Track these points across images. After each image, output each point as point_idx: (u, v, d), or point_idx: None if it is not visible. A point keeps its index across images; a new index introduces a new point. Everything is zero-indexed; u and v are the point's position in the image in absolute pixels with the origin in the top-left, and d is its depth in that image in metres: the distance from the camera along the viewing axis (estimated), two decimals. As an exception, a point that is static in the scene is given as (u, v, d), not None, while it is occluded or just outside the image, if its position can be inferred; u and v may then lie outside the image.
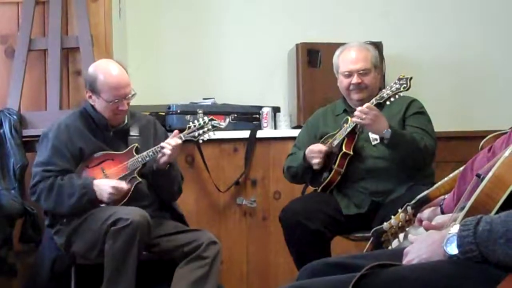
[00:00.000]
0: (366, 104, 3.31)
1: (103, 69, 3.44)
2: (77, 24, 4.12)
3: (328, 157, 3.49)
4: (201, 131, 3.50)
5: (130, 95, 3.43)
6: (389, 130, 3.29)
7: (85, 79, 3.51)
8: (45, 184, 3.36)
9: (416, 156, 3.37)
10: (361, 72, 3.52)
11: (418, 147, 3.35)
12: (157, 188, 3.53)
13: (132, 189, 3.40)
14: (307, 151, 3.52)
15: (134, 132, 3.55)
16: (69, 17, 4.18)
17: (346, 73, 3.54)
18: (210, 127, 3.50)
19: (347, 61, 3.56)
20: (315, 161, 3.48)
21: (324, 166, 3.51)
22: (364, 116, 3.27)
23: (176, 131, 3.47)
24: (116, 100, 3.39)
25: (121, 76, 3.43)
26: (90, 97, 3.46)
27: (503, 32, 4.86)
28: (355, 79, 3.52)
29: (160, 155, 3.40)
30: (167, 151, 3.37)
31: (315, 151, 3.49)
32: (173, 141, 3.40)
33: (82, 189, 3.33)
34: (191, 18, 4.79)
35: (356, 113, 3.32)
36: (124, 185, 3.37)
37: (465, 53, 4.84)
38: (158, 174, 3.47)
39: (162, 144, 3.40)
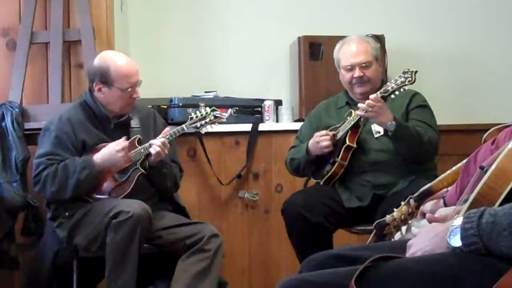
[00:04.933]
0: (372, 96, 3.30)
1: (113, 59, 3.45)
2: (79, 17, 4.12)
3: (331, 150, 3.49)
4: (203, 122, 3.52)
5: (140, 82, 3.46)
6: (393, 122, 3.28)
7: (93, 72, 3.48)
8: (49, 170, 3.36)
9: (419, 149, 3.37)
10: (363, 65, 3.51)
11: (422, 140, 3.35)
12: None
13: (135, 180, 3.41)
14: (312, 139, 3.50)
15: (134, 123, 3.56)
16: (70, 10, 4.18)
17: (348, 67, 3.54)
18: (212, 117, 3.51)
19: (348, 55, 3.55)
20: (325, 143, 3.45)
21: (327, 159, 3.51)
22: (370, 109, 3.27)
23: (167, 129, 3.47)
24: (130, 89, 3.41)
25: (131, 63, 3.48)
26: (99, 89, 3.44)
27: (506, 25, 4.85)
28: (357, 73, 3.51)
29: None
30: (153, 151, 3.38)
31: (323, 134, 3.47)
32: (158, 141, 3.40)
33: (83, 163, 3.33)
34: (193, 11, 4.78)
35: (361, 105, 3.31)
36: (121, 142, 3.37)
37: (467, 46, 4.83)
38: (150, 172, 3.47)
39: (151, 141, 3.40)
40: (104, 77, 3.42)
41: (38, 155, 3.45)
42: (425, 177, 3.31)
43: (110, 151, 3.36)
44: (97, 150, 3.43)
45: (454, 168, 2.39)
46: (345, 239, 3.79)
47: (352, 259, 1.83)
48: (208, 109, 3.53)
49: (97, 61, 3.50)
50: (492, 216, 1.56)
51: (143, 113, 3.64)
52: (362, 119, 3.40)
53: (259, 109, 4.49)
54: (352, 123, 3.42)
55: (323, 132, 3.50)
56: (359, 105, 3.35)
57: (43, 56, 4.17)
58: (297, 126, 3.95)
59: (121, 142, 3.37)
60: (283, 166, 3.82)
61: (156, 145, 3.38)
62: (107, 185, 3.43)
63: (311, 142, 3.51)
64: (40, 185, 3.40)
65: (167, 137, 3.43)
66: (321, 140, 3.46)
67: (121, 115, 3.52)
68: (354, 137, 3.45)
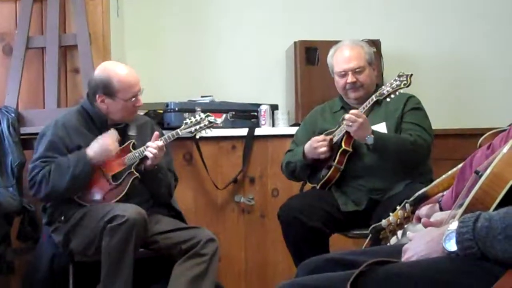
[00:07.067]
0: (354, 111, 3.31)
1: (114, 70, 3.43)
2: (75, 22, 4.12)
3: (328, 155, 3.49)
4: (197, 127, 3.52)
5: (142, 91, 3.46)
6: (372, 136, 3.29)
7: (95, 84, 3.44)
8: (44, 171, 3.35)
9: (405, 155, 3.36)
10: (356, 70, 3.51)
11: (406, 148, 3.34)
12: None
13: (129, 184, 3.42)
14: (309, 143, 3.50)
15: (131, 132, 3.55)
16: (67, 15, 4.18)
17: (341, 73, 3.54)
18: (207, 122, 3.52)
19: (341, 61, 3.55)
20: (322, 149, 3.45)
21: (323, 163, 3.51)
22: (351, 123, 3.28)
23: (156, 133, 3.47)
24: (133, 98, 3.40)
25: (132, 72, 3.47)
26: (102, 101, 3.42)
27: (502, 30, 4.86)
28: (350, 78, 3.51)
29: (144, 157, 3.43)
30: (149, 154, 3.39)
31: (320, 140, 3.48)
32: (155, 143, 3.40)
33: (76, 157, 3.34)
34: (189, 16, 4.79)
35: (345, 121, 3.33)
36: (111, 133, 3.41)
37: (463, 50, 4.85)
38: (145, 176, 3.48)
39: (148, 143, 3.41)
40: (107, 89, 3.40)
41: (32, 160, 3.45)
42: (420, 181, 3.31)
43: (99, 142, 3.38)
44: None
45: (449, 172, 2.39)
46: (341, 243, 3.79)
47: (348, 264, 1.83)
48: (202, 115, 3.54)
49: (98, 72, 3.47)
50: (487, 221, 1.56)
51: (140, 121, 3.64)
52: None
53: (255, 113, 4.49)
54: (348, 127, 3.43)
55: (320, 137, 3.49)
56: (349, 112, 3.35)
57: (39, 61, 4.17)
58: (293, 130, 3.94)
59: (112, 134, 3.39)
60: (279, 170, 3.82)
61: (152, 147, 3.39)
62: (101, 188, 3.43)
63: (307, 146, 3.51)
64: (36, 186, 3.38)
65: (162, 141, 3.43)
66: (318, 146, 3.46)
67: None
68: (349, 141, 3.45)
